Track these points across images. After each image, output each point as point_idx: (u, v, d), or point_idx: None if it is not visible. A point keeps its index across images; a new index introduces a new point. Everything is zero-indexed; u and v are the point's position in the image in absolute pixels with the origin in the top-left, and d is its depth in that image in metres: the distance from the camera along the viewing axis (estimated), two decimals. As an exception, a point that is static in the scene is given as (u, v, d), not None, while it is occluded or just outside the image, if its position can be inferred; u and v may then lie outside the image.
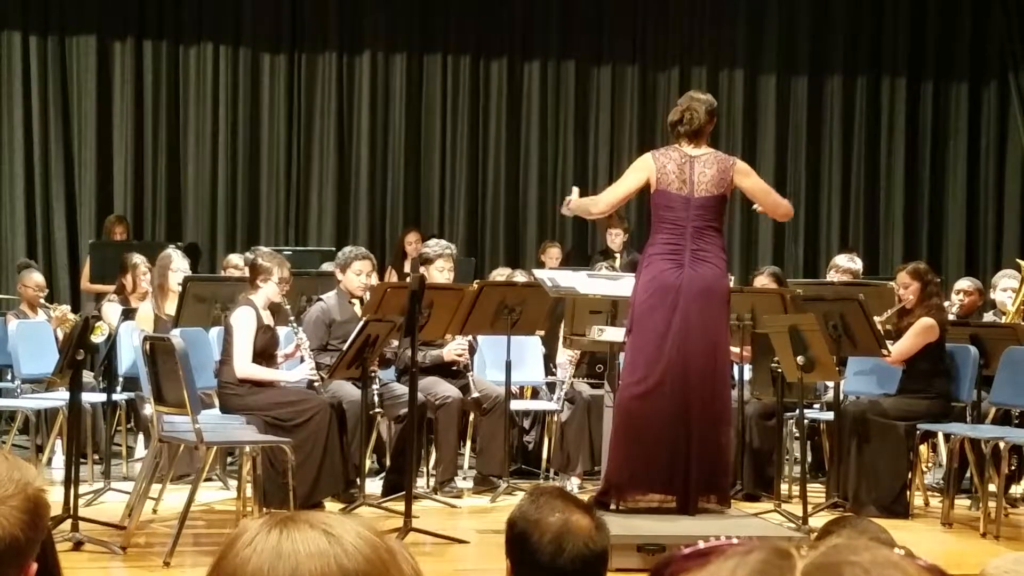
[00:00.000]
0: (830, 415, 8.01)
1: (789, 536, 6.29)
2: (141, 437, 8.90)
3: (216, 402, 7.55)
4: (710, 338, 6.39)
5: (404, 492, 6.78)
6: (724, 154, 6.67)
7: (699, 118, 6.47)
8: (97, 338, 6.68)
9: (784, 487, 7.92)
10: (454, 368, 8.31)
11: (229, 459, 8.37)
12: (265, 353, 7.42)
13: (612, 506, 6.46)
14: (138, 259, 9.36)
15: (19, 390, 8.78)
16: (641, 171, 6.46)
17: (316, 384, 7.56)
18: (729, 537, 1.01)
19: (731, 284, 9.15)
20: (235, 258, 9.92)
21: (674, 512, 6.37)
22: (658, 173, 6.39)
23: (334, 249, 10.12)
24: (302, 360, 7.57)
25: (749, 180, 6.61)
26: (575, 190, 7.03)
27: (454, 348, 8.25)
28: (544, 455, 8.85)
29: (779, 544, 0.93)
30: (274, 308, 7.58)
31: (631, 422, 6.39)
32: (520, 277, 9.34)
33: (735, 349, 8.09)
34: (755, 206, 6.89)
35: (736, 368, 8.26)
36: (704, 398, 6.38)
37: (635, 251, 11.94)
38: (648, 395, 6.33)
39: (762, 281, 8.84)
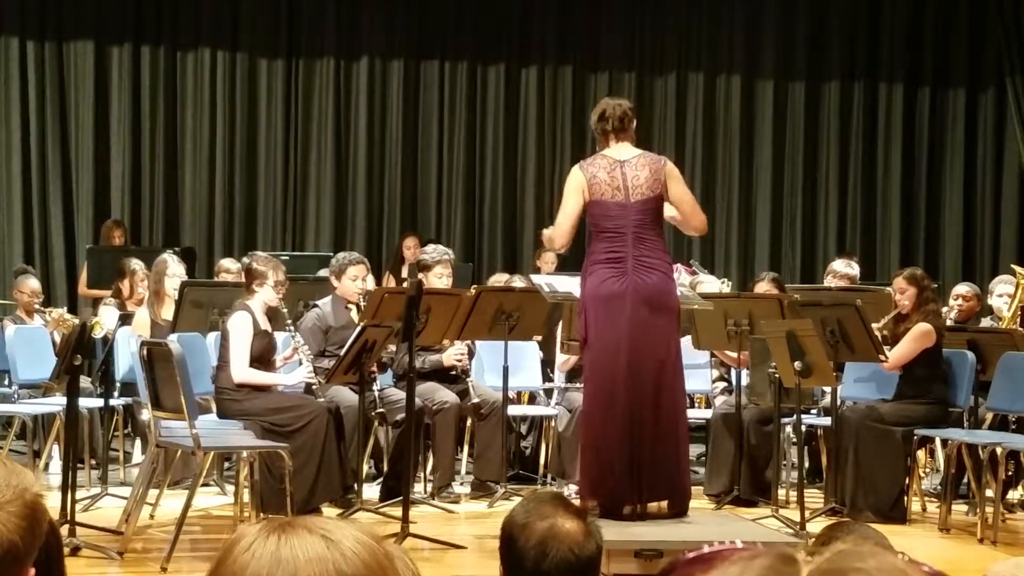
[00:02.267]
0: (827, 420, 8.00)
1: (786, 542, 6.29)
2: (138, 442, 8.89)
3: (213, 407, 7.55)
4: (660, 347, 6.27)
5: (401, 497, 6.78)
6: (652, 154, 6.57)
7: (621, 110, 6.40)
8: (96, 334, 6.68)
9: (781, 492, 7.91)
10: (452, 373, 8.31)
11: (226, 464, 8.36)
12: (263, 358, 7.42)
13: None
14: (137, 265, 9.34)
15: (16, 395, 8.77)
16: (576, 189, 6.32)
17: (314, 387, 7.56)
18: (733, 542, 1.00)
19: (728, 286, 9.19)
20: (227, 263, 9.91)
21: (627, 519, 6.31)
22: (589, 184, 6.28)
23: (331, 254, 10.12)
24: (300, 364, 7.57)
25: (679, 187, 6.43)
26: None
27: (453, 353, 8.25)
28: (541, 460, 8.85)
29: (784, 549, 0.93)
30: (271, 313, 7.58)
31: (592, 434, 6.37)
32: (518, 282, 9.34)
33: (732, 354, 8.10)
34: (670, 215, 6.51)
35: (734, 373, 8.26)
36: (656, 407, 6.27)
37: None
38: (605, 407, 6.28)
39: (763, 287, 8.84)
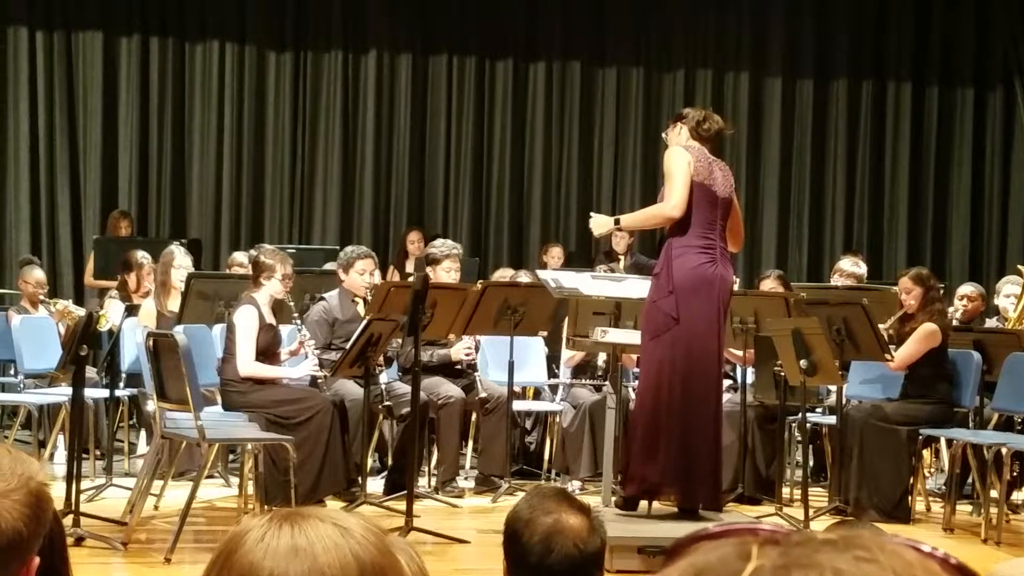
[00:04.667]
0: (832, 419, 8.00)
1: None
2: (143, 433, 8.90)
3: (218, 399, 7.55)
4: (722, 339, 6.43)
5: (405, 491, 6.78)
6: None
7: (718, 126, 6.51)
8: (102, 327, 6.68)
9: (785, 491, 7.92)
10: (458, 367, 8.32)
11: (231, 456, 8.37)
12: (267, 352, 7.42)
13: (645, 506, 6.41)
14: (144, 258, 9.32)
15: (22, 385, 8.78)
16: (686, 162, 6.32)
17: (320, 380, 7.56)
18: (758, 520, 0.99)
19: (735, 283, 9.19)
20: (239, 256, 9.90)
21: (677, 516, 6.31)
22: (695, 166, 6.33)
23: (338, 248, 10.12)
24: (306, 357, 7.58)
25: (735, 201, 6.60)
26: (597, 217, 6.79)
27: (462, 347, 8.25)
28: (546, 456, 8.85)
29: (745, 543, 0.91)
30: (277, 306, 7.58)
31: (658, 418, 6.29)
32: (524, 278, 9.34)
33: (738, 352, 8.09)
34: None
35: (739, 370, 8.25)
36: (719, 402, 6.44)
37: (639, 253, 11.95)
38: (694, 388, 6.26)
39: (769, 284, 8.83)
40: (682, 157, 6.37)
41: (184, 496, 6.55)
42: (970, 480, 7.92)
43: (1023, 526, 7.84)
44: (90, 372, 8.10)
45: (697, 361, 6.26)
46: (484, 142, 12.94)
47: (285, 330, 7.82)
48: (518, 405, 8.61)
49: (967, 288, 9.28)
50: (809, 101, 13.27)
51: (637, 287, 7.01)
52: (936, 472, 9.01)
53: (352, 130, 12.75)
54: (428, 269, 8.15)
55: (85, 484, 7.06)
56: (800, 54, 13.26)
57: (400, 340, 7.79)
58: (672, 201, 6.32)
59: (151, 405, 7.12)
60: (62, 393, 7.85)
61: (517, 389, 8.60)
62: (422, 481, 7.98)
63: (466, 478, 8.38)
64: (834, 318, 7.49)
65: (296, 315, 7.66)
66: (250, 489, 7.08)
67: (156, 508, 7.18)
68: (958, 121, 13.42)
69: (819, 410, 8.55)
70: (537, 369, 8.99)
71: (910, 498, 7.73)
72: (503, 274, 10.14)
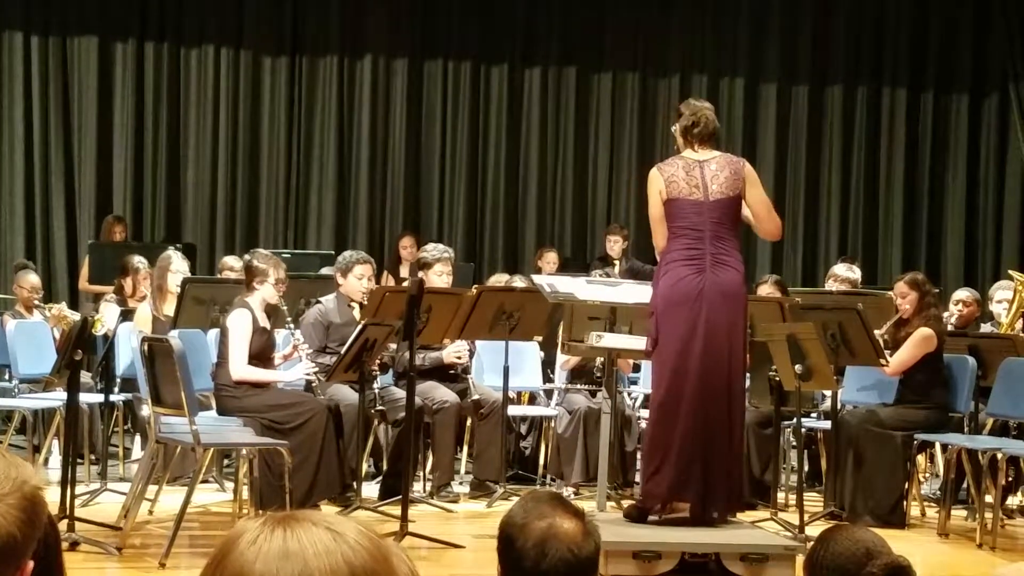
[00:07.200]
0: (827, 424, 8.00)
1: (785, 544, 6.28)
2: (138, 438, 8.89)
3: (213, 404, 7.55)
4: (731, 345, 6.23)
5: (401, 496, 6.78)
6: (730, 155, 6.52)
7: (713, 121, 6.39)
8: (97, 331, 6.67)
9: (781, 496, 7.91)
10: (452, 371, 8.31)
11: (226, 461, 8.37)
12: (262, 356, 7.41)
13: (654, 516, 6.34)
14: (140, 263, 9.33)
15: (17, 390, 8.77)
16: (655, 192, 6.29)
17: (314, 384, 7.56)
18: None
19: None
20: (231, 260, 9.91)
21: (690, 523, 6.27)
22: (667, 184, 6.24)
23: (333, 253, 10.12)
24: (300, 360, 7.57)
25: (755, 190, 6.41)
26: None
27: (453, 351, 8.25)
28: (541, 461, 8.85)
29: None
30: (271, 311, 7.58)
31: (660, 432, 6.27)
32: (519, 282, 9.33)
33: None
34: (745, 215, 6.50)
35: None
36: (724, 407, 6.24)
37: (633, 258, 11.95)
38: (675, 405, 6.20)
39: (766, 289, 8.83)
40: (650, 188, 6.33)
41: (179, 501, 6.55)
42: (965, 485, 7.92)
43: (1018, 531, 7.85)
44: (85, 377, 8.09)
45: (677, 382, 6.18)
46: (479, 147, 12.95)
47: (279, 335, 7.81)
48: (513, 410, 8.61)
49: (962, 293, 9.29)
50: (805, 106, 13.29)
51: (632, 292, 7.02)
52: (931, 477, 9.01)
53: (347, 135, 12.75)
54: (420, 273, 8.15)
55: (80, 489, 7.06)
56: (796, 59, 13.28)
57: (395, 346, 7.79)
58: (655, 242, 6.42)
59: (146, 410, 7.12)
60: (57, 398, 7.84)
61: (512, 394, 8.60)
62: (417, 486, 7.98)
63: (461, 483, 8.37)
64: (829, 323, 7.49)
65: (289, 320, 7.66)
66: (245, 494, 7.08)
67: (151, 513, 7.18)
68: (953, 127, 13.45)
69: (814, 415, 8.55)
70: (532, 374, 9.00)
71: (905, 503, 7.73)
72: (498, 279, 10.15)
